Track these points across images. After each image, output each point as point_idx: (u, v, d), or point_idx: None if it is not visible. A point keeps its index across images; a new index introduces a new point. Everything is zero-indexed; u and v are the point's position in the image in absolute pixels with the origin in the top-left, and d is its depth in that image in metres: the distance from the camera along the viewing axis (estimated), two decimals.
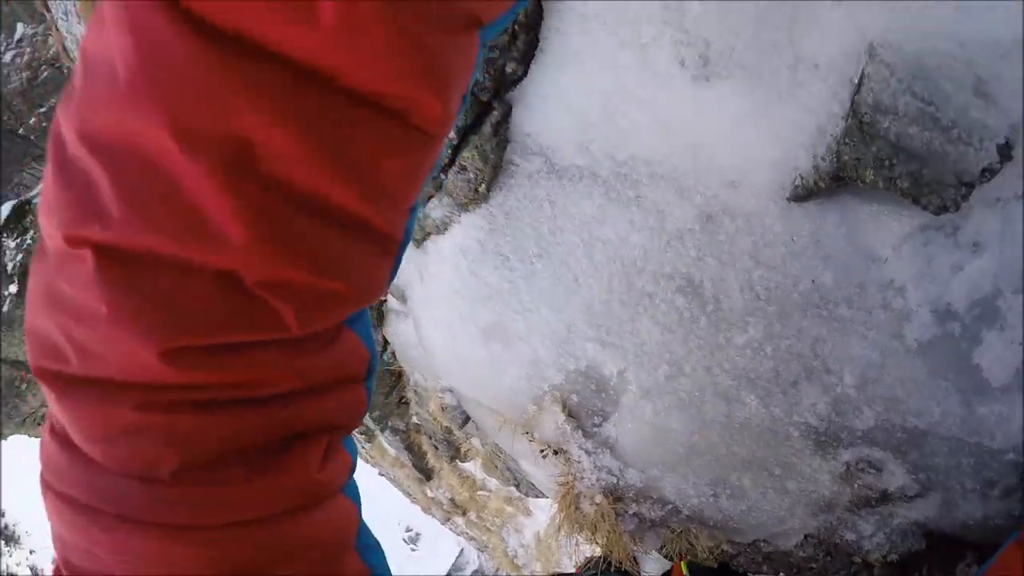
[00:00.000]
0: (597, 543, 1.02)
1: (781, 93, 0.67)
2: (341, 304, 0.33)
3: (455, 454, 1.83)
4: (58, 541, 0.35)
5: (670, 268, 0.80)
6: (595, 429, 1.00)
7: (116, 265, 0.29)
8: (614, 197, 0.83)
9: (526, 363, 1.01)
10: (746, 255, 0.75)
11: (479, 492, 1.92)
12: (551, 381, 1.00)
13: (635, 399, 0.90)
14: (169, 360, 0.29)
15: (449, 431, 1.56)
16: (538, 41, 0.85)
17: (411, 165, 0.31)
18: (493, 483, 1.78)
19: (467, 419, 1.39)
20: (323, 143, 0.28)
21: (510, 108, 0.89)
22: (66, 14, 3.52)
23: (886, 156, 0.59)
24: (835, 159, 0.64)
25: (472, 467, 1.92)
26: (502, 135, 0.91)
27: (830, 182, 0.66)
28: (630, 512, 0.99)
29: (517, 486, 1.41)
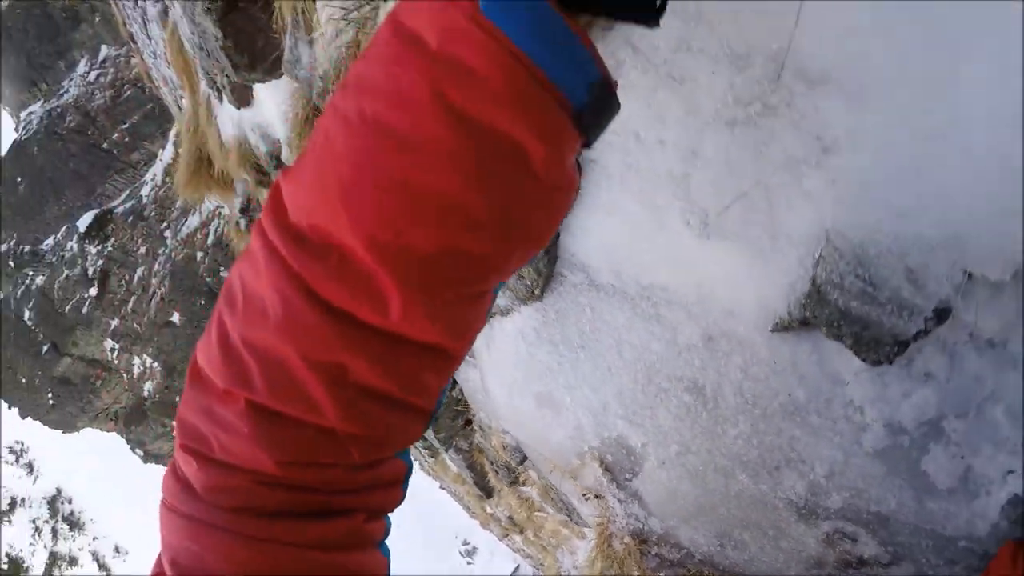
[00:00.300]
0: (625, 574, 1.20)
1: (764, 255, 0.83)
2: (391, 450, 0.49)
3: (514, 480, 2.04)
4: (168, 548, 0.47)
5: (680, 372, 0.98)
6: (626, 483, 1.19)
7: (258, 412, 0.43)
8: (639, 312, 1.02)
9: (571, 428, 1.21)
10: (738, 369, 0.92)
11: (537, 513, 2.07)
12: (590, 443, 1.19)
13: (654, 467, 1.08)
14: (279, 466, 0.44)
15: (509, 464, 1.77)
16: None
17: (443, 376, 0.47)
18: (550, 507, 1.96)
19: (525, 458, 1.60)
20: (386, 368, 0.43)
21: (558, 235, 1.10)
22: (155, 56, 3.90)
23: (835, 319, 0.75)
24: (801, 311, 0.80)
25: (531, 491, 2.10)
26: (552, 254, 1.11)
27: (800, 325, 0.82)
28: (652, 553, 1.16)
29: (569, 516, 1.60)
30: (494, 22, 0.36)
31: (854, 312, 0.73)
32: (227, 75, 2.34)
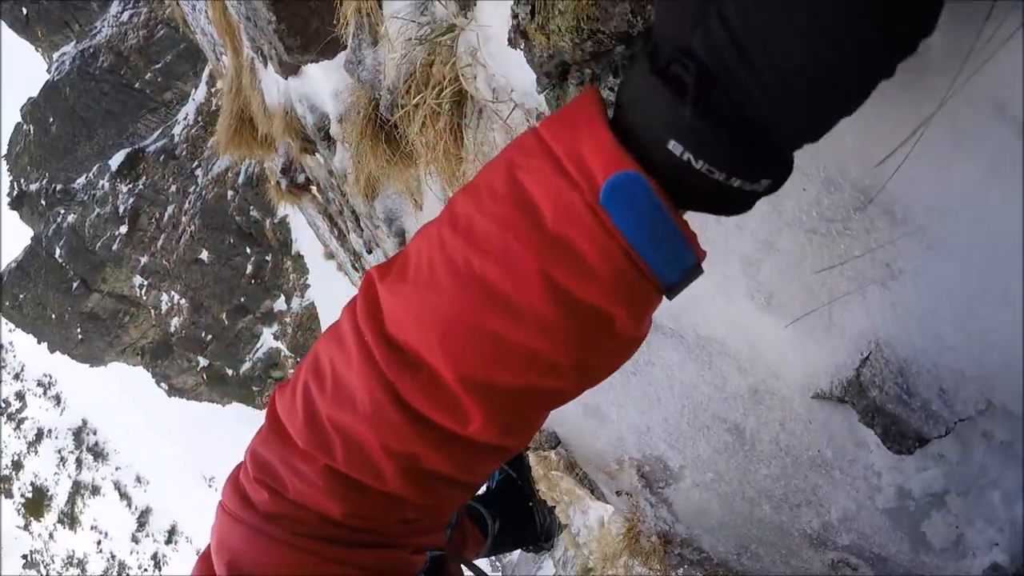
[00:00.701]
0: (649, 568, 1.38)
1: (817, 339, 0.95)
2: (442, 516, 0.58)
3: (538, 447, 2.22)
4: (225, 550, 0.52)
5: (724, 415, 1.12)
6: (659, 490, 1.35)
7: (334, 474, 0.49)
8: (693, 357, 1.15)
9: (614, 439, 1.36)
10: (776, 422, 1.05)
11: (553, 472, 2.22)
12: (630, 454, 1.34)
13: (688, 486, 1.24)
14: (344, 516, 0.50)
15: (540, 443, 1.94)
16: None
17: (499, 464, 0.58)
18: (571, 478, 2.12)
19: (559, 442, 1.77)
20: (455, 462, 0.49)
21: None
22: (193, 8, 3.79)
23: (870, 411, 0.87)
24: (842, 392, 0.92)
25: (551, 455, 2.26)
26: None
27: (838, 400, 0.95)
28: (675, 552, 1.34)
29: (591, 492, 1.78)
30: (610, 215, 0.38)
31: (888, 410, 0.85)
32: (275, 49, 2.31)
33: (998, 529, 0.88)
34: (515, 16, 0.78)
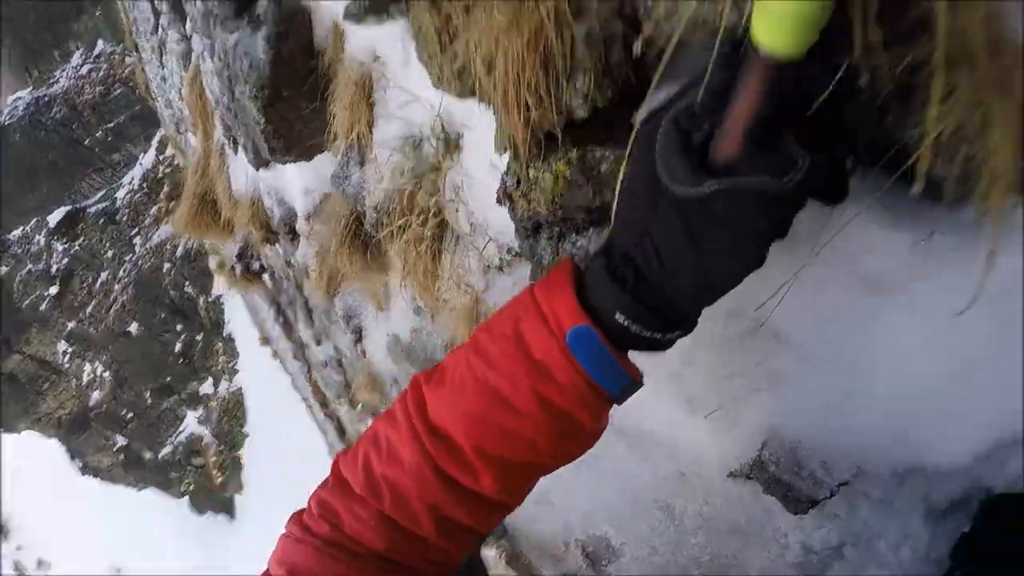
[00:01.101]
0: None
1: (727, 431, 1.15)
2: (456, 557, 0.70)
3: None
4: (288, 564, 0.64)
5: (657, 496, 1.29)
6: (602, 568, 1.46)
7: (382, 517, 0.64)
8: (633, 450, 1.32)
9: (561, 522, 1.48)
10: (700, 499, 1.23)
11: (493, 572, 2.24)
12: (576, 536, 1.47)
13: (629, 560, 1.37)
14: (387, 550, 0.64)
15: None
16: None
17: (502, 517, 0.70)
18: (514, 569, 2.17)
19: (505, 531, 1.84)
20: (470, 512, 0.65)
21: None
22: (163, 80, 3.74)
23: (770, 482, 1.07)
24: (749, 470, 1.13)
25: (493, 549, 2.29)
26: None
27: (746, 477, 1.15)
28: None
29: None
30: (574, 354, 0.58)
31: (784, 480, 1.06)
32: (255, 144, 2.40)
33: (890, 572, 1.08)
34: (503, 183, 1.00)
